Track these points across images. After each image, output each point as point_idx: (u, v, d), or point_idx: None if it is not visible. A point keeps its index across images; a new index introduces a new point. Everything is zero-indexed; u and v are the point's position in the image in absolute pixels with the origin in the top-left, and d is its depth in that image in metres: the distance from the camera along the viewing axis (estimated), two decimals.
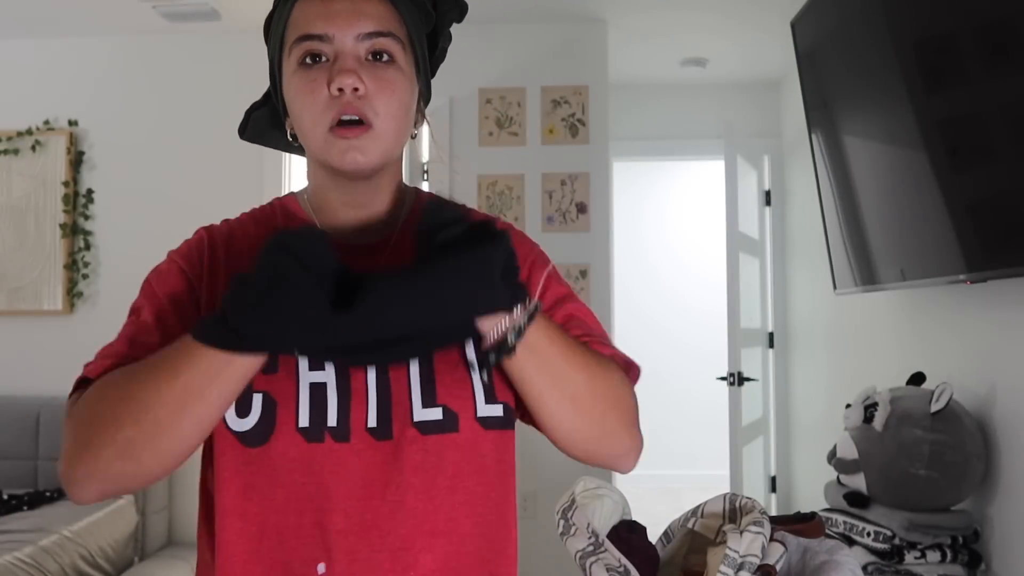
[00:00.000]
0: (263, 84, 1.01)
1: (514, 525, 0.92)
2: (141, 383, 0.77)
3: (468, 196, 3.46)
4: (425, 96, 0.97)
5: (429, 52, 0.98)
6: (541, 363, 0.81)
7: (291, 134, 0.94)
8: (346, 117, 0.85)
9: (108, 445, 0.76)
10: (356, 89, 0.85)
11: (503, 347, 0.77)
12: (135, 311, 0.90)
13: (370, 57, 0.87)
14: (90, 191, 3.58)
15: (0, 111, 3.63)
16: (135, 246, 3.39)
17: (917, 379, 2.31)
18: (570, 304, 0.96)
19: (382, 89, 0.86)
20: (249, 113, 1.01)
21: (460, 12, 0.99)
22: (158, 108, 3.59)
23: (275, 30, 0.93)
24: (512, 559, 0.91)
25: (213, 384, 0.74)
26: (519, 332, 0.77)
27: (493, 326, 0.76)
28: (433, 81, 1.02)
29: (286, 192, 1.05)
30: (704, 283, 6.07)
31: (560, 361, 0.82)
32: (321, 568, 0.83)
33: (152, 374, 0.76)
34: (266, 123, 1.00)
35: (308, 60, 0.86)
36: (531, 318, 0.77)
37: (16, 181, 3.59)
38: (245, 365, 0.74)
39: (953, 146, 1.99)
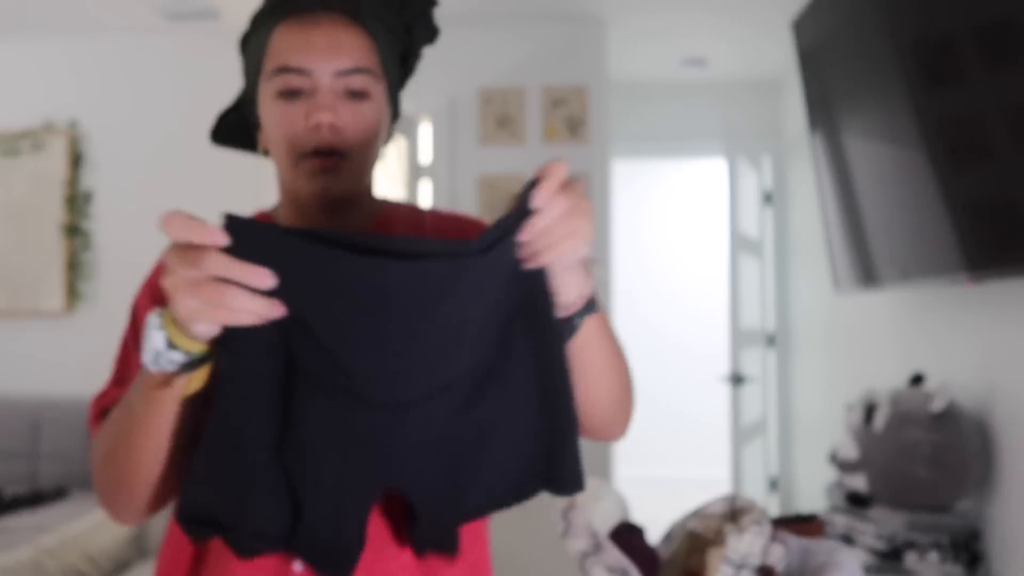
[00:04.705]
0: None
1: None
2: (112, 439, 0.83)
3: (468, 196, 3.47)
4: (395, 115, 0.98)
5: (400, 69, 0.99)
6: (600, 339, 0.84)
7: (263, 149, 0.96)
8: (321, 148, 0.88)
9: (115, 503, 0.86)
10: (332, 125, 0.87)
11: (578, 315, 0.80)
12: (123, 343, 0.95)
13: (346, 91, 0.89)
14: (90, 192, 3.58)
15: (0, 111, 3.63)
16: (135, 246, 3.38)
17: (917, 380, 2.31)
18: None
19: (356, 123, 0.89)
20: (221, 118, 1.01)
21: (432, 35, 1.00)
22: (158, 108, 3.59)
23: (252, 51, 0.92)
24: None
25: (152, 411, 0.77)
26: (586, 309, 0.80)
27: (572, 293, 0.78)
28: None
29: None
30: (704, 283, 6.07)
31: (611, 344, 0.86)
32: (297, 567, 0.84)
33: (115, 428, 0.82)
34: (238, 130, 1.01)
35: (287, 92, 0.88)
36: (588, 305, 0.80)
37: (16, 181, 3.59)
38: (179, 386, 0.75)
39: (953, 146, 1.99)
